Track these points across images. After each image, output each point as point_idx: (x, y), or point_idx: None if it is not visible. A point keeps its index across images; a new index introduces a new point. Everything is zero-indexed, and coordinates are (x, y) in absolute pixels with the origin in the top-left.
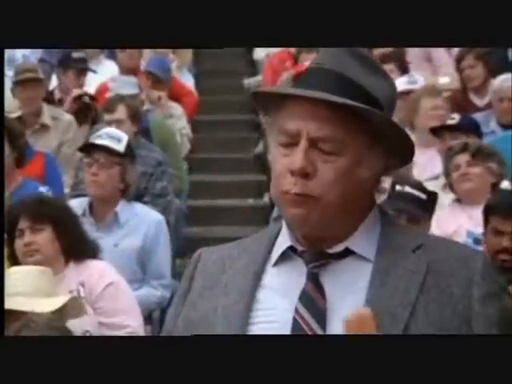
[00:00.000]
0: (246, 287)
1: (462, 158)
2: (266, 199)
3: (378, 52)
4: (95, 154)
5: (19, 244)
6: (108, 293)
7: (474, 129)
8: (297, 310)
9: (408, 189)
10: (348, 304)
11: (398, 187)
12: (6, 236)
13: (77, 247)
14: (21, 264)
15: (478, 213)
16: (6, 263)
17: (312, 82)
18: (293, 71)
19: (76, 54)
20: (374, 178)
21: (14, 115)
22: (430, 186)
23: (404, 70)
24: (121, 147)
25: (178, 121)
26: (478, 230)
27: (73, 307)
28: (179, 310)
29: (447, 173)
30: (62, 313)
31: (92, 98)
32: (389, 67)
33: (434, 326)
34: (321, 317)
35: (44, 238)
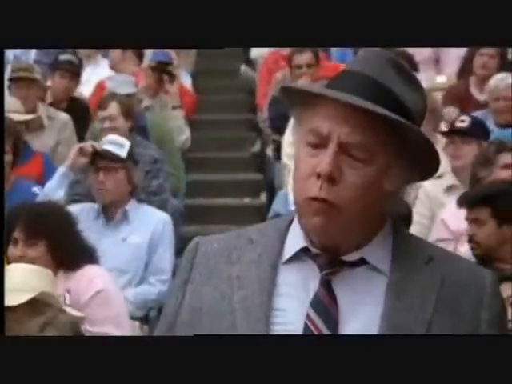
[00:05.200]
0: (265, 279)
1: (507, 157)
2: (262, 198)
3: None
4: (99, 161)
5: (12, 252)
6: (96, 301)
7: (484, 134)
8: (308, 316)
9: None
10: (360, 314)
11: None
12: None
13: (69, 259)
14: None
15: None
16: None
17: (348, 85)
18: (309, 71)
19: (63, 56)
20: (395, 191)
21: (21, 118)
22: (434, 184)
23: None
24: (123, 153)
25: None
26: None
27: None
28: (180, 300)
29: (474, 175)
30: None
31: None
32: None
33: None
34: (333, 324)
35: (37, 252)
